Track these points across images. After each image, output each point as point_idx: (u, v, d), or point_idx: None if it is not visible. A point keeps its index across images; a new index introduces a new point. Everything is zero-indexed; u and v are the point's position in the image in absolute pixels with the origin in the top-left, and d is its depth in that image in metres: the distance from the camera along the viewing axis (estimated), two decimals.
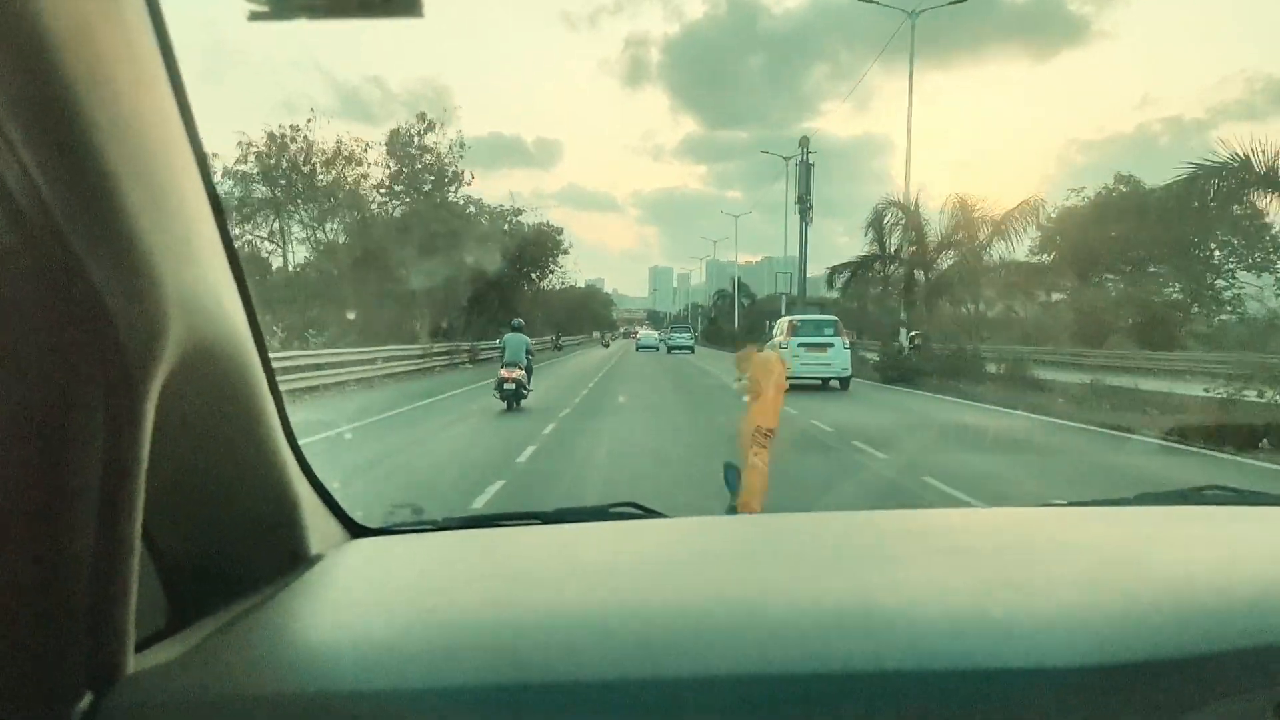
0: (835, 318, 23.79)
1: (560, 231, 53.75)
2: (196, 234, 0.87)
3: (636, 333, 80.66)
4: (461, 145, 37.25)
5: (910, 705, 0.86)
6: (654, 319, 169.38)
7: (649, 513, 1.63)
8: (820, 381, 21.46)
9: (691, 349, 55.45)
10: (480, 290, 34.68)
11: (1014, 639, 0.92)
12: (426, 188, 35.55)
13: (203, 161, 0.90)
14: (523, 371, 15.69)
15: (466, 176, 37.06)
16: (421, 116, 36.37)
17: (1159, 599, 1.01)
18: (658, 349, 57.77)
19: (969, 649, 0.91)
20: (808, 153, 40.87)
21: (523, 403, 15.65)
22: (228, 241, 0.97)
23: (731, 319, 68.80)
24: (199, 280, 0.86)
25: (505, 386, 15.54)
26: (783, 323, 24.61)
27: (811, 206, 39.24)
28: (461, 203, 37.63)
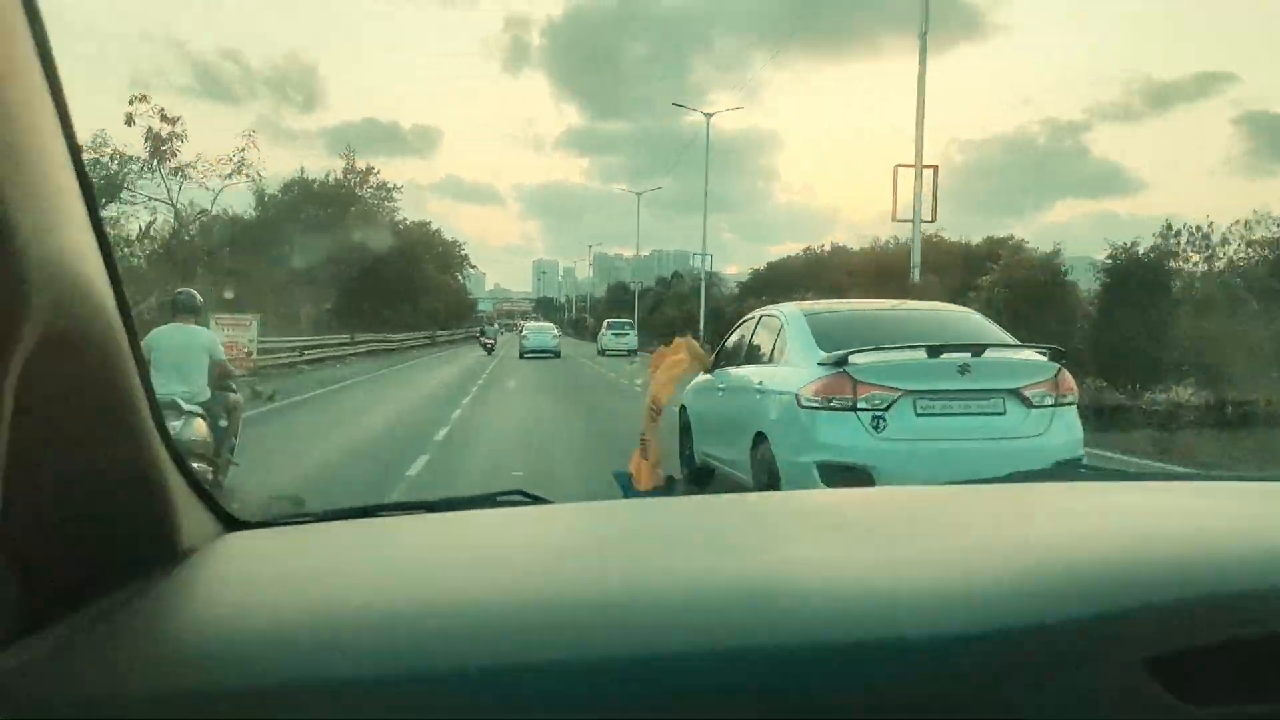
0: (631, 320, 46.37)
1: (462, 247, 62.38)
2: (61, 206, 0.82)
3: (520, 326, 57.67)
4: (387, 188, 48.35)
5: (789, 678, 0.89)
6: (545, 308, 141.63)
7: (536, 499, 1.63)
8: (623, 352, 42.90)
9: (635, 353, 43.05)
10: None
11: (891, 611, 0.97)
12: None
13: (69, 130, 0.85)
14: (493, 340, 45.33)
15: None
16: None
17: (1029, 569, 1.07)
18: (557, 354, 39.53)
19: (847, 622, 0.95)
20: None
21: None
22: (95, 219, 0.92)
23: (617, 312, 67.27)
24: (63, 255, 0.81)
25: (484, 343, 45.20)
26: (604, 322, 49.28)
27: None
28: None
